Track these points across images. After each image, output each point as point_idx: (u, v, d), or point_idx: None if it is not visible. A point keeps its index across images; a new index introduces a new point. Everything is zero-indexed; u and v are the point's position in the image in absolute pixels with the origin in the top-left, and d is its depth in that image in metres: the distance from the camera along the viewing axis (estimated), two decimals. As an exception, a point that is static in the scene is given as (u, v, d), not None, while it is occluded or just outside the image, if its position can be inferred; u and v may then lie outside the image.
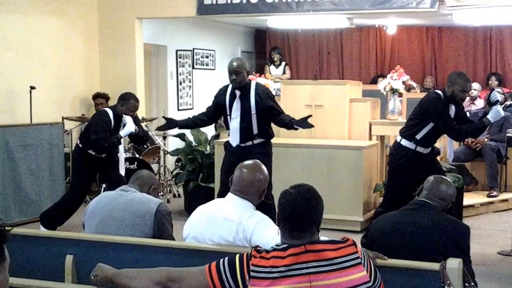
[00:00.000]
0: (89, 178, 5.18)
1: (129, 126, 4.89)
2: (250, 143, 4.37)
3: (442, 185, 2.74)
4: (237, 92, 4.32)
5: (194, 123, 4.67)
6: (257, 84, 4.46)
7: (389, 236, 2.61)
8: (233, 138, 4.40)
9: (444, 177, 2.88)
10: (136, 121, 5.05)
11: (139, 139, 5.24)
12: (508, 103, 7.51)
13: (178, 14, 6.97)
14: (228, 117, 4.41)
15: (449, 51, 9.38)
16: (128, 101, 4.88)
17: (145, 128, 6.62)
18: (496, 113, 4.19)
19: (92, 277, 2.06)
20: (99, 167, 5.09)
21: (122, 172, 5.16)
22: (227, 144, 4.53)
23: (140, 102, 6.98)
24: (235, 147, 4.40)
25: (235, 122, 4.36)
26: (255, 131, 4.34)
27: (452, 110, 4.28)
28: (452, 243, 2.54)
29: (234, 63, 4.27)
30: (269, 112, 4.33)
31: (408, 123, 4.39)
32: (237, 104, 4.33)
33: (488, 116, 4.22)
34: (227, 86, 4.46)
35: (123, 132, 4.90)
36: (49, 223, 4.96)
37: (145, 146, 6.44)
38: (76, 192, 5.09)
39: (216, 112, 4.55)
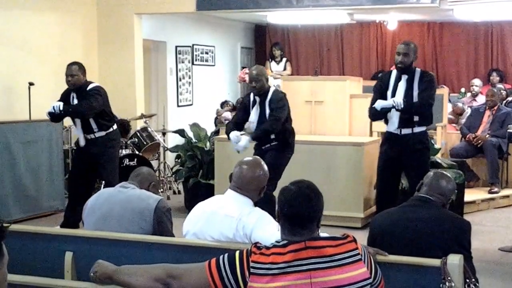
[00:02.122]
0: (78, 170, 4.89)
1: (51, 107, 4.71)
2: (268, 146, 4.60)
3: (442, 180, 2.72)
4: (257, 99, 4.57)
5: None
6: (274, 91, 4.61)
7: (389, 232, 2.60)
8: (258, 141, 4.60)
9: (444, 172, 2.86)
10: (86, 94, 4.74)
11: (71, 115, 4.81)
12: (509, 99, 7.49)
13: (178, 10, 6.95)
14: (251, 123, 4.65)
15: (450, 47, 9.35)
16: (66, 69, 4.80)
17: (144, 124, 6.63)
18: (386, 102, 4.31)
19: (92, 274, 2.05)
20: (87, 161, 4.85)
21: (81, 142, 4.79)
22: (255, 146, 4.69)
23: (141, 97, 7.06)
24: (258, 147, 4.61)
25: (254, 124, 4.59)
26: (272, 135, 4.55)
27: (403, 80, 4.32)
28: (453, 239, 2.53)
29: (254, 72, 4.56)
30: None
31: None
32: (256, 110, 4.58)
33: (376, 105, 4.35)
34: (249, 95, 4.72)
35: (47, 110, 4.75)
36: (67, 223, 4.82)
37: (145, 143, 6.42)
38: (68, 178, 4.95)
39: (246, 119, 4.69)
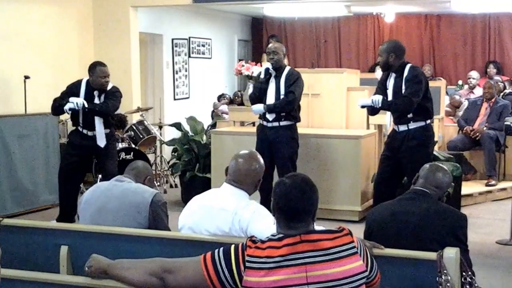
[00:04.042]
0: (71, 160, 4.83)
1: (71, 102, 4.62)
2: (276, 124, 4.78)
3: (438, 173, 2.70)
4: (273, 73, 4.81)
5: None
6: (291, 69, 4.89)
7: (386, 225, 2.59)
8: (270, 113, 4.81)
9: (440, 164, 2.84)
10: (109, 94, 4.75)
11: (97, 114, 4.75)
12: (507, 91, 7.48)
13: (174, 2, 6.92)
14: (264, 97, 4.85)
15: (448, 39, 9.33)
16: (94, 69, 4.72)
17: (140, 117, 6.60)
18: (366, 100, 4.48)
19: (87, 268, 2.04)
20: (85, 155, 4.85)
21: (102, 143, 4.76)
22: (258, 127, 4.95)
23: (137, 90, 7.04)
24: (266, 126, 4.82)
25: (271, 101, 4.78)
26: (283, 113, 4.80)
27: (392, 78, 4.34)
28: (450, 232, 2.52)
29: (272, 45, 4.94)
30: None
31: None
32: (272, 84, 4.82)
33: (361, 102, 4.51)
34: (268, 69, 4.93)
35: (66, 105, 4.67)
36: (63, 217, 4.81)
37: (141, 136, 6.40)
38: (59, 173, 4.90)
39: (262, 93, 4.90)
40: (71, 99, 4.67)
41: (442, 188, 2.70)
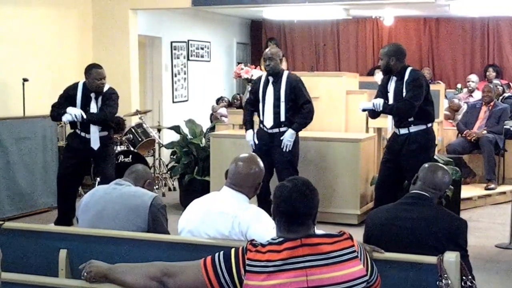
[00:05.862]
0: (69, 163, 4.81)
1: (69, 113, 4.61)
2: (277, 130, 4.73)
3: (437, 173, 2.66)
4: (270, 79, 4.76)
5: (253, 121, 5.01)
6: (289, 73, 4.85)
7: (385, 230, 2.57)
8: (267, 120, 4.78)
9: (439, 164, 2.82)
10: (107, 100, 4.73)
11: (95, 123, 4.72)
12: (506, 94, 7.49)
13: (173, 5, 6.92)
14: (260, 104, 4.80)
15: (447, 43, 9.35)
16: (90, 71, 4.70)
17: (139, 120, 6.59)
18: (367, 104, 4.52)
19: (86, 274, 2.02)
20: (84, 158, 4.84)
21: (96, 146, 4.74)
22: (258, 131, 4.88)
23: (136, 93, 7.04)
24: (266, 131, 4.79)
25: (269, 107, 4.75)
26: (283, 118, 4.72)
27: (393, 81, 4.35)
28: (450, 238, 2.50)
29: (269, 51, 4.81)
30: (298, 102, 4.71)
31: None
32: (270, 90, 4.76)
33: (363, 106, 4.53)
34: (261, 76, 4.93)
35: (64, 117, 4.67)
36: (61, 220, 4.79)
37: (140, 139, 6.39)
38: (57, 177, 4.90)
39: (256, 102, 4.89)
40: (69, 109, 4.64)
41: (442, 189, 2.67)
